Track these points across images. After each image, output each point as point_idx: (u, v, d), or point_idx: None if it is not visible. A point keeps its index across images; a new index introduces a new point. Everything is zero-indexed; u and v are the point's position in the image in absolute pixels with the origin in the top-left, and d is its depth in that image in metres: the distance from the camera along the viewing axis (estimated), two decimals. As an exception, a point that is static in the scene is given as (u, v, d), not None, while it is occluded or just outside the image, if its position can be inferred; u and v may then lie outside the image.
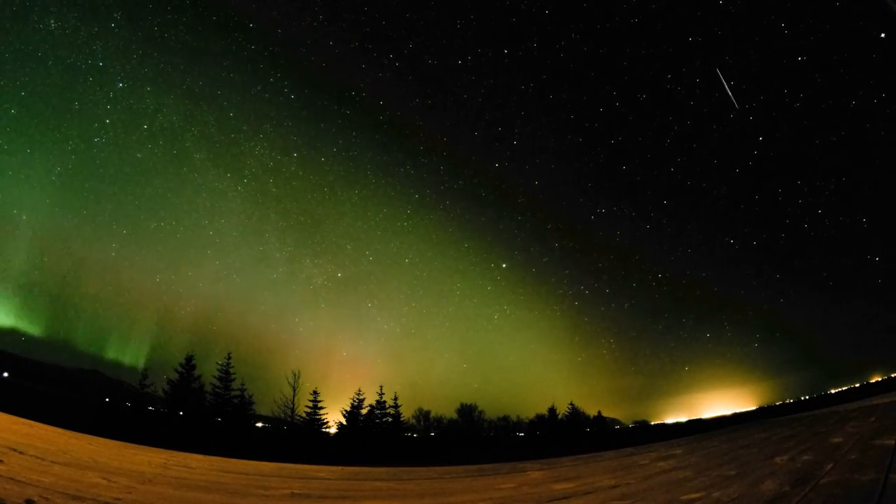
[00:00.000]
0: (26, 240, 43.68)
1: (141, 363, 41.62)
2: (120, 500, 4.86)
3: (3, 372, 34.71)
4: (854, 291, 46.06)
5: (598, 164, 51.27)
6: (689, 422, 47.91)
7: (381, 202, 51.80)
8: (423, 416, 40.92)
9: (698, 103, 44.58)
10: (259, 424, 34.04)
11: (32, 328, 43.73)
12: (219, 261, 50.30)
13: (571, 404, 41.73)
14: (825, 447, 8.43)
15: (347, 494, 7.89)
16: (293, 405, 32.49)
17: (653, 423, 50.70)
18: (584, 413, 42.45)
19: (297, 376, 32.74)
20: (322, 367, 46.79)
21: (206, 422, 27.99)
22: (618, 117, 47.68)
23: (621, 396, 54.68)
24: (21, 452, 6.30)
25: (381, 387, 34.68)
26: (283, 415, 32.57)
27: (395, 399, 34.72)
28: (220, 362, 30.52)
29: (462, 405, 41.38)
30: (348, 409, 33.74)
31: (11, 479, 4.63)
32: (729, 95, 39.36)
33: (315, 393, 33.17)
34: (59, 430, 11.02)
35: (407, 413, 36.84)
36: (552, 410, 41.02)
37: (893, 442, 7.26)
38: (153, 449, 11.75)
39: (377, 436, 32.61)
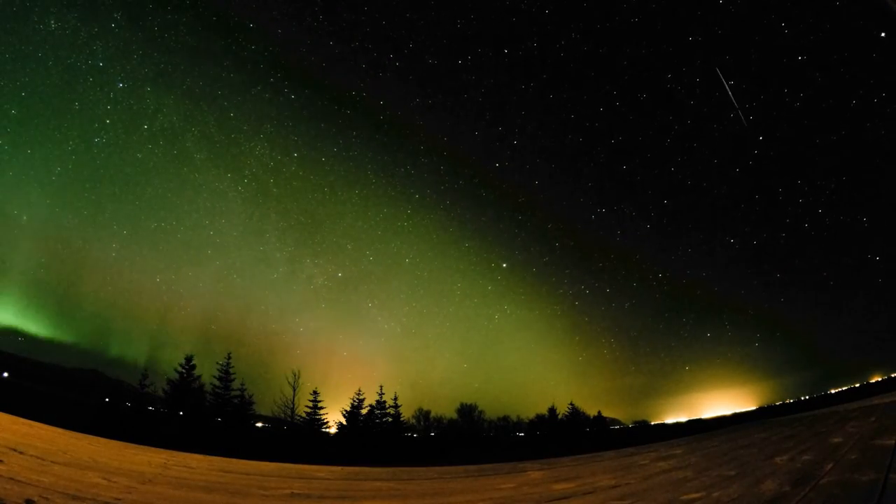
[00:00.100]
0: (26, 240, 43.82)
1: (141, 363, 41.76)
2: (120, 500, 4.86)
3: (3, 372, 34.72)
4: (854, 291, 46.08)
5: (598, 163, 51.20)
6: (690, 422, 47.88)
7: (382, 202, 51.89)
8: (423, 416, 40.92)
9: (698, 103, 44.63)
10: (259, 424, 34.02)
11: (32, 328, 43.88)
12: (219, 261, 50.43)
13: (571, 404, 41.75)
14: (825, 447, 8.42)
15: (347, 494, 7.89)
16: (293, 405, 32.51)
17: (653, 423, 50.67)
18: (584, 413, 42.43)
19: (297, 376, 32.81)
20: (322, 366, 46.81)
21: (206, 422, 27.99)
22: (618, 117, 47.65)
23: (621, 396, 54.69)
24: (21, 452, 6.30)
25: (381, 387, 34.74)
26: (283, 415, 32.58)
27: (395, 399, 34.78)
28: (220, 362, 30.58)
29: (462, 405, 41.42)
30: (348, 409, 33.76)
31: (11, 479, 4.64)
32: (729, 96, 39.36)
33: (315, 393, 33.22)
34: (59, 430, 11.01)
35: (407, 413, 36.91)
36: (552, 410, 41.00)
37: (893, 442, 7.25)
38: (153, 449, 11.73)
39: (377, 436, 32.61)
